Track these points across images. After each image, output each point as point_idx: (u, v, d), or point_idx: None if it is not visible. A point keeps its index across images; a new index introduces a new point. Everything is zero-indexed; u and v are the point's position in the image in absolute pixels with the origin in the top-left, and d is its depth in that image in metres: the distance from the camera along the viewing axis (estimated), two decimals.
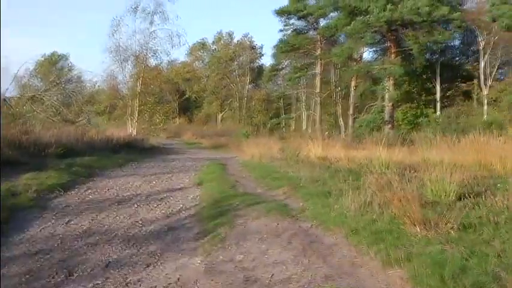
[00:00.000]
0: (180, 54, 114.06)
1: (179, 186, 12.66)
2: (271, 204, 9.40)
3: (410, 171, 11.27)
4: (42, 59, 73.59)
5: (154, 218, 8.85)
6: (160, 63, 34.34)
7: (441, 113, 36.31)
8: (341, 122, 48.83)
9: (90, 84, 44.08)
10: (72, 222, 8.37)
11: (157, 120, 33.24)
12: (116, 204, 10.04)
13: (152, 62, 33.63)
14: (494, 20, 32.50)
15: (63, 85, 33.74)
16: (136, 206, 9.91)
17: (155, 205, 9.99)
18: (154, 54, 32.40)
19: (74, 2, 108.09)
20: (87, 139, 21.59)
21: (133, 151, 23.76)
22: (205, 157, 24.55)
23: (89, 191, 11.61)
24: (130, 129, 30.52)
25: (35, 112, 22.73)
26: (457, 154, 14.14)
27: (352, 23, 34.29)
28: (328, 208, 8.54)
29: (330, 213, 8.24)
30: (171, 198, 10.88)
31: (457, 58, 44.43)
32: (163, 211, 9.43)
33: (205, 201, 10.34)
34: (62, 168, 13.96)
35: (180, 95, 73.52)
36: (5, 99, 22.49)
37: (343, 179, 11.05)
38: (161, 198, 10.74)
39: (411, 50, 34.51)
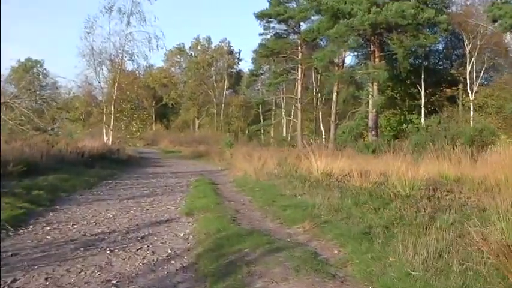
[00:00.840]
0: (157, 60, 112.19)
1: (164, 217, 10.05)
2: (296, 252, 6.75)
3: (442, 193, 10.05)
4: (17, 65, 72.05)
5: (134, 272, 6.16)
6: (138, 67, 32.24)
7: (426, 119, 35.29)
8: (322, 128, 47.81)
9: (65, 90, 42.41)
10: (16, 286, 5.58)
11: (134, 128, 31.14)
12: (82, 249, 7.38)
13: (129, 66, 32.09)
14: (495, 21, 31.45)
15: (35, 91, 32.21)
16: (109, 251, 7.30)
17: (134, 250, 7.38)
18: (131, 57, 30.09)
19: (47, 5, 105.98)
20: (55, 152, 19.21)
21: (108, 164, 21.67)
22: (188, 171, 22.90)
23: (48, 227, 8.89)
24: (106, 138, 28.76)
25: (3, 120, 20.96)
26: (477, 169, 12.51)
27: (335, 26, 33.08)
28: (380, 261, 5.94)
29: (387, 271, 5.62)
30: (156, 237, 8.29)
31: (441, 63, 43.47)
32: (145, 260, 6.77)
33: (201, 243, 7.76)
34: (17, 193, 11.42)
35: (157, 101, 72.31)
36: None
37: (369, 206, 9.17)
38: (142, 237, 8.25)
39: (395, 54, 33.41)
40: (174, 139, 53.26)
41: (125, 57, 29.84)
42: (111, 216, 10.12)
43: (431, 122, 26.92)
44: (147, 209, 11.05)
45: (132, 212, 10.68)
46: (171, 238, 8.29)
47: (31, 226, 8.92)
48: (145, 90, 44.83)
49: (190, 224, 9.54)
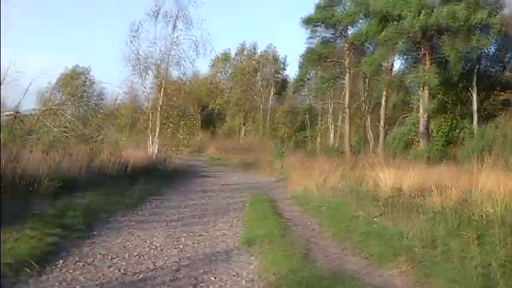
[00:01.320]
0: (202, 66, 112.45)
1: (221, 248, 8.55)
2: None
3: None
4: (65, 73, 73.13)
5: None
6: (185, 73, 31.52)
7: (479, 124, 34.01)
8: (370, 135, 46.84)
9: (111, 97, 42.45)
10: None
11: (181, 136, 30.08)
12: None
13: (175, 72, 31.41)
14: None
15: (83, 98, 32.06)
16: None
17: None
18: (178, 63, 29.45)
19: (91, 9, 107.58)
20: (96, 164, 17.45)
21: (153, 178, 19.86)
22: (240, 183, 21.29)
23: (82, 262, 7.47)
24: (152, 146, 27.97)
25: (47, 128, 20.50)
26: None
27: (385, 29, 32.29)
28: None
29: None
30: (213, 277, 6.92)
31: (493, 66, 41.94)
32: None
33: None
34: (49, 215, 9.82)
35: (203, 108, 72.24)
36: (16, 114, 20.69)
37: (468, 236, 7.60)
38: (196, 278, 6.81)
39: (447, 57, 32.36)
40: (220, 146, 52.93)
41: (172, 62, 29.26)
42: (157, 245, 8.50)
43: (487, 128, 25.65)
44: (200, 236, 9.45)
45: (182, 239, 9.04)
46: (232, 280, 6.80)
47: (61, 262, 7.39)
48: (192, 97, 43.93)
49: (253, 258, 7.96)
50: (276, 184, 20.50)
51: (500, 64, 41.73)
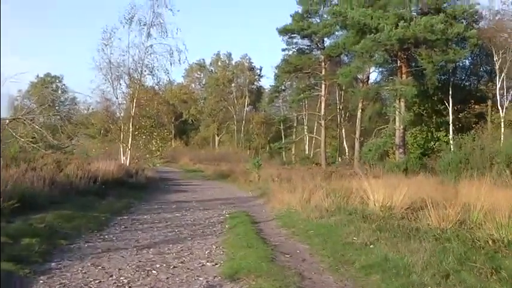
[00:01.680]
0: (176, 75, 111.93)
1: (200, 283, 6.97)
2: None
3: None
4: (35, 80, 72.14)
5: None
6: (158, 82, 29.68)
7: (454, 136, 34.08)
8: (345, 146, 46.87)
9: (84, 106, 41.21)
10: None
11: (154, 147, 29.10)
12: None
13: (149, 81, 30.04)
14: None
15: (53, 106, 31.12)
16: None
17: None
18: (151, 72, 28.16)
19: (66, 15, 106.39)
20: (62, 178, 15.62)
21: (124, 191, 18.49)
22: (216, 197, 19.57)
23: None
24: (123, 158, 26.90)
25: (14, 138, 19.32)
26: None
27: (362, 41, 32.20)
28: None
29: None
30: None
31: (468, 79, 42.27)
32: None
33: None
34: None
35: (177, 117, 71.79)
36: None
37: (482, 269, 6.72)
38: None
39: (423, 69, 32.52)
40: (194, 156, 52.44)
41: (145, 71, 28.15)
42: (125, 281, 6.88)
43: (465, 140, 25.58)
44: (174, 267, 7.83)
45: (154, 272, 7.49)
46: None
47: None
48: (165, 106, 42.78)
49: None
50: (256, 201, 18.16)
51: (475, 77, 42.12)
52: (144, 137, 28.14)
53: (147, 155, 29.17)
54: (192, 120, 73.48)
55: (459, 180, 21.04)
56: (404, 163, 28.21)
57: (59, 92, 73.96)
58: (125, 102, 28.87)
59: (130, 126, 26.85)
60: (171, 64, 27.92)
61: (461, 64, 39.29)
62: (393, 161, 32.06)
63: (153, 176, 27.18)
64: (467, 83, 42.01)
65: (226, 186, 25.86)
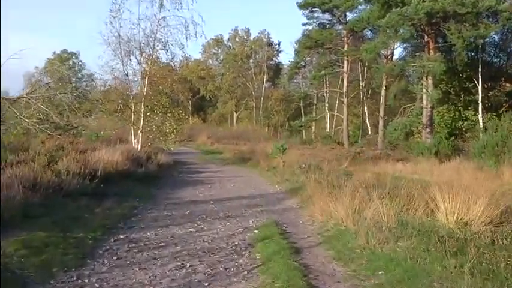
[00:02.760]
0: (194, 51, 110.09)
1: None
2: None
3: None
4: (52, 57, 71.31)
5: None
6: (173, 58, 26.40)
7: (484, 115, 32.41)
8: (368, 124, 45.35)
9: (100, 83, 37.44)
10: None
11: (168, 129, 25.82)
12: None
13: (162, 57, 26.92)
14: None
15: (71, 83, 29.37)
16: None
17: None
18: (165, 47, 25.04)
19: None
20: (50, 178, 11.69)
21: (130, 187, 15.00)
22: (239, 195, 15.26)
23: None
24: (135, 141, 24.50)
25: (19, 118, 17.35)
26: None
27: (388, 15, 30.49)
28: None
29: None
30: None
31: (497, 55, 40.23)
32: None
33: None
34: None
35: (194, 94, 70.60)
36: None
37: None
38: None
39: (452, 45, 30.73)
40: (211, 134, 51.14)
41: (158, 46, 25.13)
42: None
43: (501, 121, 23.83)
44: None
45: None
46: None
47: None
48: (181, 84, 39.95)
49: None
50: (286, 201, 14.40)
51: (504, 54, 40.08)
52: (157, 118, 25.37)
53: (161, 138, 26.50)
54: (209, 97, 72.23)
55: (498, 166, 19.69)
56: (436, 145, 26.47)
57: (76, 68, 73.20)
58: (136, 79, 26.07)
59: (142, 106, 24.42)
60: (186, 38, 24.79)
61: (490, 40, 37.38)
62: (422, 143, 30.30)
63: (167, 162, 24.33)
64: (496, 60, 40.07)
65: (247, 175, 22.23)
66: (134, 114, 24.42)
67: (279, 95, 66.26)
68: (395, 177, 14.55)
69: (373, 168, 20.99)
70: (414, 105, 34.18)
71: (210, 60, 77.45)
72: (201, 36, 25.43)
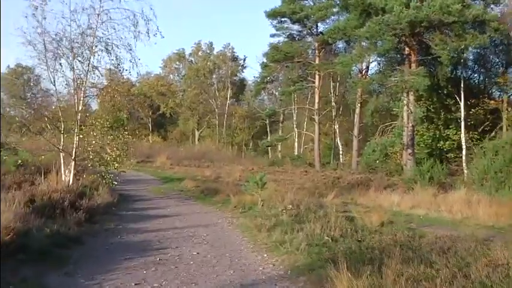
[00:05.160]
0: (154, 66, 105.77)
1: None
2: None
3: None
4: (6, 71, 67.35)
5: None
6: (118, 64, 18.49)
7: (472, 136, 30.00)
8: (338, 144, 42.66)
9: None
10: None
11: (110, 157, 18.81)
12: None
13: (104, 61, 18.63)
14: None
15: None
16: None
17: None
18: (107, 48, 17.83)
19: None
20: None
21: (43, 258, 8.50)
22: (208, 279, 8.06)
23: None
24: (65, 174, 17.65)
25: None
26: None
27: (367, 23, 27.66)
28: None
29: None
30: None
31: (478, 71, 37.91)
32: None
33: None
34: None
35: (154, 110, 67.33)
36: None
37: None
38: None
39: (437, 57, 28.07)
40: (172, 154, 47.14)
41: (96, 46, 17.94)
42: None
43: (501, 142, 20.83)
44: None
45: None
46: None
47: None
48: (129, 98, 31.43)
49: None
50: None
51: (483, 69, 37.74)
52: (94, 142, 18.53)
53: (102, 167, 19.30)
54: (170, 114, 68.70)
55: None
56: (428, 170, 23.20)
57: (31, 83, 69.13)
58: (67, 91, 18.83)
59: (76, 126, 17.50)
60: (135, 38, 18.01)
61: (470, 56, 34.99)
62: (417, 168, 26.61)
63: (107, 202, 16.17)
64: (475, 75, 37.80)
65: (216, 223, 14.33)
66: (64, 137, 17.74)
67: (243, 112, 63.65)
68: (405, 215, 11.53)
69: (362, 200, 17.75)
70: (395, 124, 31.14)
71: (171, 76, 74.32)
72: (155, 34, 18.00)
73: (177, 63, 73.45)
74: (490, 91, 36.52)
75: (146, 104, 66.22)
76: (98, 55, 18.28)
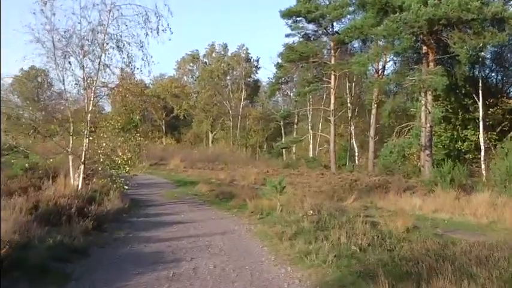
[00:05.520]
0: (167, 68, 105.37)
1: None
2: None
3: None
4: (20, 74, 67.41)
5: None
6: (130, 62, 17.61)
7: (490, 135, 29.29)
8: (354, 145, 42.07)
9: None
10: None
11: (121, 160, 17.87)
12: None
13: (115, 59, 17.87)
14: None
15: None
16: None
17: None
18: (118, 45, 17.06)
19: None
20: None
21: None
22: None
23: None
24: (74, 177, 16.90)
25: None
26: None
27: (385, 22, 27.13)
28: None
29: None
30: None
31: (496, 70, 37.29)
32: None
33: None
34: None
35: (168, 112, 67.04)
36: None
37: None
38: None
39: (455, 56, 27.43)
40: (185, 157, 46.60)
41: (107, 44, 17.20)
42: None
43: None
44: None
45: None
46: None
47: None
48: (142, 99, 30.17)
49: None
50: None
51: (501, 68, 37.11)
52: (104, 144, 17.71)
53: (112, 171, 18.08)
54: (184, 116, 68.34)
55: None
56: (449, 172, 22.47)
57: (45, 86, 69.16)
58: (76, 91, 17.88)
59: (86, 127, 16.79)
60: (146, 34, 17.34)
61: (488, 54, 34.36)
62: (438, 170, 25.77)
63: (117, 208, 15.35)
64: (493, 75, 37.19)
65: (233, 230, 13.40)
66: (73, 139, 17.03)
67: (257, 113, 63.18)
68: (429, 219, 11.12)
69: (382, 203, 17.15)
70: (412, 125, 30.51)
71: (185, 77, 74.04)
72: (164, 31, 17.22)
73: (191, 64, 73.24)
74: (508, 90, 35.98)
75: (160, 106, 66.06)
76: (109, 53, 17.63)
